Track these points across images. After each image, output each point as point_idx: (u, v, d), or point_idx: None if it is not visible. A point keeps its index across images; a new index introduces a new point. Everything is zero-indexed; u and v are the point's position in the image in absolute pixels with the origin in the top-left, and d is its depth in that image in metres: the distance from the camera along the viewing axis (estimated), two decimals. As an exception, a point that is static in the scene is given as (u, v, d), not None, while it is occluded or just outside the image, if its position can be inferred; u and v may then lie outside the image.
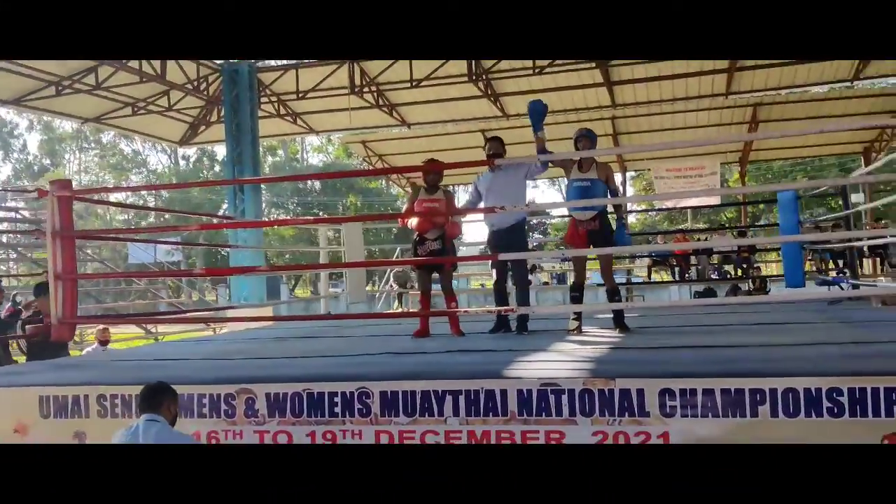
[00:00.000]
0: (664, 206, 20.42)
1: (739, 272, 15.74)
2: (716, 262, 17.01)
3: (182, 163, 48.40)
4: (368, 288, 13.72)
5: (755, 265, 16.55)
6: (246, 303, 13.00)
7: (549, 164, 5.75)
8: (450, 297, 6.09)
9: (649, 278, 17.66)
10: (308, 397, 3.72)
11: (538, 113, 5.49)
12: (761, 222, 27.80)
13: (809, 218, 14.78)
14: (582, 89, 15.46)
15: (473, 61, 13.90)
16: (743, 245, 14.03)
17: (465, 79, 14.25)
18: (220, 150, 45.61)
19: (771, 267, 19.05)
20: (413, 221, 5.94)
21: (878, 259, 13.99)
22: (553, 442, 3.39)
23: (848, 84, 15.50)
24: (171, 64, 13.06)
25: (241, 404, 3.80)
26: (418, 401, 3.59)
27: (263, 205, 23.34)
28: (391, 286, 16.60)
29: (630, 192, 30.75)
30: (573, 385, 3.40)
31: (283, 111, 16.33)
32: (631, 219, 26.43)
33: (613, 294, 5.76)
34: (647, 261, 16.23)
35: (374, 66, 14.75)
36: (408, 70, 14.26)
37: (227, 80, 13.84)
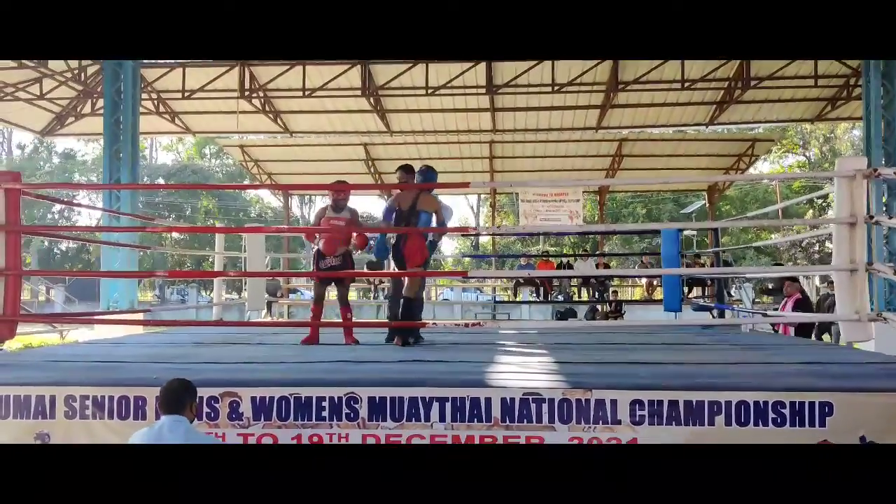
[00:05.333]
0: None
1: (596, 295, 17.00)
2: (575, 284, 18.14)
3: (17, 152, 45.07)
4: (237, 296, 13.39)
5: (612, 290, 17.79)
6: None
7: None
8: (345, 307, 6.44)
9: (515, 296, 18.47)
10: (295, 401, 3.85)
11: None
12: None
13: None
14: (466, 113, 16.05)
15: (367, 76, 14.13)
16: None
17: (359, 92, 14.41)
18: (62, 143, 43.05)
19: (626, 291, 20.45)
20: (320, 241, 6.22)
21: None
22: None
23: (703, 127, 17.04)
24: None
25: (225, 407, 3.86)
26: (406, 406, 3.81)
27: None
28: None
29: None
30: (553, 395, 3.75)
31: (162, 109, 15.77)
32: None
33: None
34: (513, 280, 17.07)
35: (264, 72, 14.62)
36: (300, 79, 14.26)
37: (110, 73, 13.18)
